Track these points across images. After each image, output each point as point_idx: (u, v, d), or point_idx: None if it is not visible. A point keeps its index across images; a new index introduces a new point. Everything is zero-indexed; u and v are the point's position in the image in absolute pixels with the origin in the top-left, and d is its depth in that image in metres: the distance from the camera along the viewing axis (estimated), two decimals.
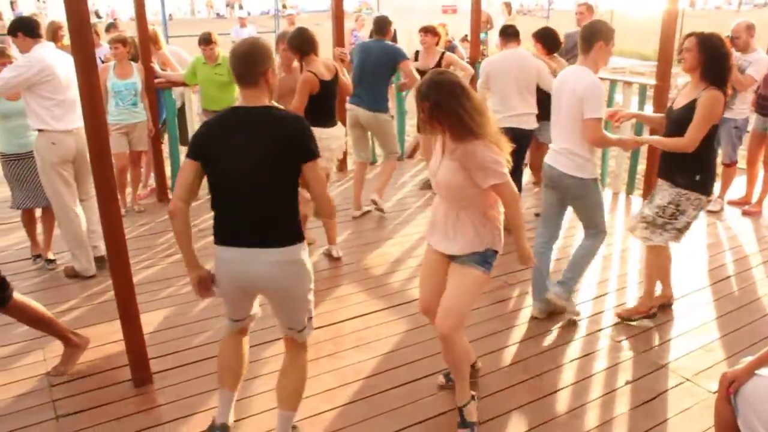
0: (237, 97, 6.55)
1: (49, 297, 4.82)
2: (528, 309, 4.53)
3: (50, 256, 5.44)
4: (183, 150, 7.06)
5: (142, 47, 6.49)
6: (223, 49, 6.39)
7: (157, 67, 6.74)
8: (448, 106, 2.92)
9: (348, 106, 6.22)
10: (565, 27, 7.34)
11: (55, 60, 4.82)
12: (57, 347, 3.95)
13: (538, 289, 4.40)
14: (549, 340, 4.18)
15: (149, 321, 4.28)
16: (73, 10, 3.13)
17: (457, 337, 3.15)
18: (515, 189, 3.08)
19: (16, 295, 3.63)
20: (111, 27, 8.19)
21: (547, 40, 5.87)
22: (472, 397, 3.37)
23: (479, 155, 2.96)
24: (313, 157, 2.79)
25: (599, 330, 4.30)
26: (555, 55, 5.94)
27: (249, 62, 2.77)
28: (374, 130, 6.23)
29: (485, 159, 2.96)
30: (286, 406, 3.03)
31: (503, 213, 3.19)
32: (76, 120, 4.84)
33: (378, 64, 6.00)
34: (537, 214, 6.17)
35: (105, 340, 4.16)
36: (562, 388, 3.67)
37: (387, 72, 6.11)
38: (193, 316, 4.50)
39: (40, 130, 4.82)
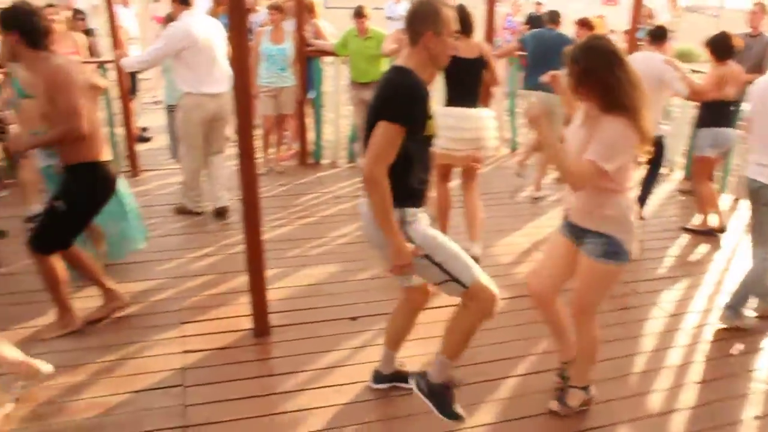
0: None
1: (190, 241, 5.21)
2: (651, 320, 4.33)
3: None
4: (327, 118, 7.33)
5: (297, 15, 6.77)
6: (375, 24, 6.51)
7: (309, 35, 6.97)
8: (599, 74, 2.79)
9: (522, 92, 6.23)
10: (737, 28, 6.82)
11: (199, 28, 5.20)
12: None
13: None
14: (675, 357, 3.97)
15: (275, 277, 4.49)
16: None
17: (585, 326, 3.15)
18: (589, 176, 2.81)
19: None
20: None
21: (717, 46, 5.47)
22: (585, 388, 3.31)
23: (608, 132, 2.80)
24: (381, 118, 2.71)
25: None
26: (729, 61, 5.52)
27: (409, 22, 2.78)
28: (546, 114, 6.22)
29: (610, 137, 2.80)
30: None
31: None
32: (218, 84, 5.22)
33: (552, 51, 5.95)
34: (684, 228, 5.87)
35: (234, 288, 4.42)
36: (674, 411, 3.48)
37: (559, 59, 6.06)
38: (318, 278, 4.66)
39: (186, 92, 5.22)
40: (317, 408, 3.31)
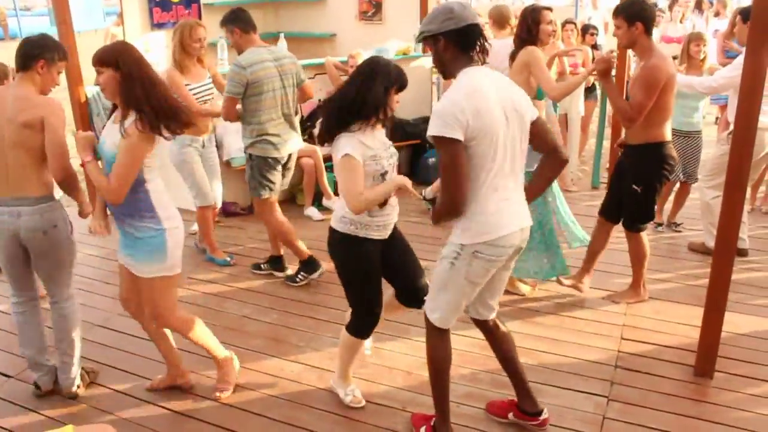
0: None
1: (652, 264, 5.09)
2: None
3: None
4: None
5: None
6: None
7: None
8: None
9: None
10: None
11: None
12: None
13: None
14: None
15: (732, 320, 4.15)
16: None
17: None
18: None
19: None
20: None
21: None
22: None
23: None
24: None
25: None
26: None
27: None
28: None
29: None
30: None
31: None
32: None
33: None
34: None
35: (685, 320, 4.25)
36: None
37: None
38: None
39: None
40: None
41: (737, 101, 3.36)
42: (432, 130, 2.63)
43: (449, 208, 2.71)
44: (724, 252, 3.51)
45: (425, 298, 3.08)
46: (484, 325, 3.21)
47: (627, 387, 3.60)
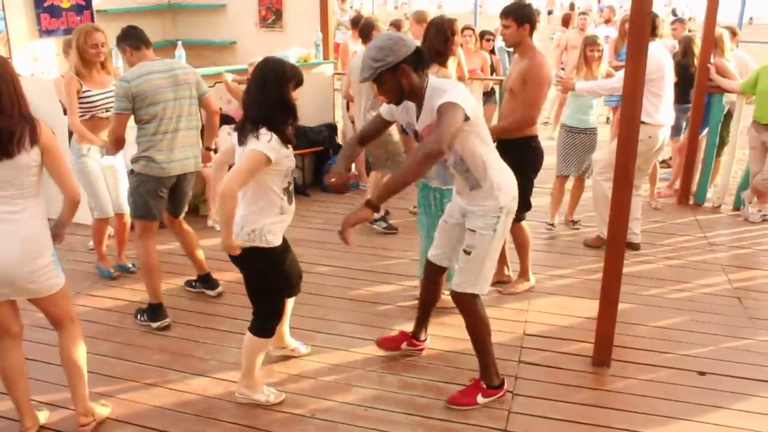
0: None
1: (551, 260, 5.36)
2: None
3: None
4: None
5: (703, 47, 6.48)
6: None
7: (712, 70, 6.50)
8: None
9: None
10: None
11: (664, 56, 5.33)
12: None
13: None
14: None
15: (626, 312, 4.35)
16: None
17: None
18: None
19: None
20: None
21: None
22: None
23: None
24: None
25: None
26: None
27: None
28: None
29: None
30: None
31: None
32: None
33: None
34: None
35: (583, 314, 4.43)
36: None
37: None
38: (670, 323, 4.40)
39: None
40: None
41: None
42: (452, 98, 2.96)
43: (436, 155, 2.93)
44: (615, 246, 3.68)
45: (456, 282, 3.39)
46: (438, 272, 3.66)
47: (530, 381, 3.72)
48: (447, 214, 3.59)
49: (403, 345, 3.91)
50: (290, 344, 3.90)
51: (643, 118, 4.93)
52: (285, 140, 3.11)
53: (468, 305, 3.40)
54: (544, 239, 5.88)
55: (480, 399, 3.47)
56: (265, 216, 3.18)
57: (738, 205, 6.68)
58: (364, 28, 6.08)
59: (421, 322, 3.90)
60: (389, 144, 5.52)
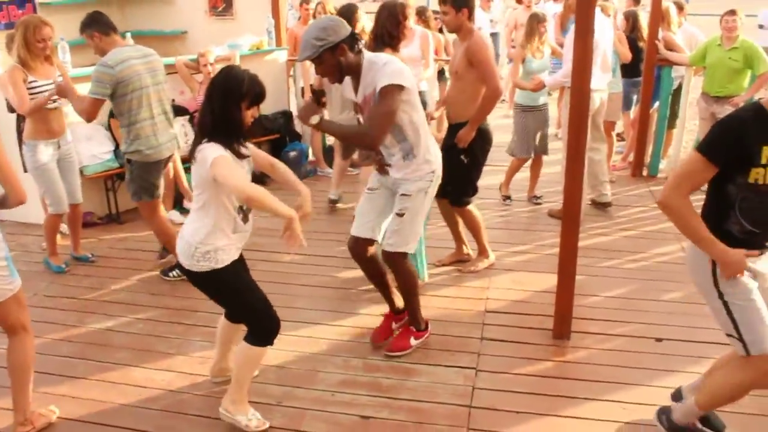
0: (746, 86, 6.09)
1: (509, 237, 5.42)
2: None
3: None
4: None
5: (651, 21, 6.58)
6: (743, 34, 5.96)
7: (660, 46, 6.62)
8: None
9: None
10: None
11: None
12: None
13: None
14: None
15: (584, 283, 4.44)
16: None
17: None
18: None
19: None
20: None
21: None
22: None
23: None
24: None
25: None
26: None
27: None
28: None
29: None
30: None
31: None
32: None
33: None
34: None
35: (541, 287, 4.51)
36: None
37: None
38: (627, 293, 4.52)
39: None
40: (600, 420, 3.25)
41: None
42: (390, 81, 3.21)
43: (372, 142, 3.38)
44: (570, 220, 3.76)
45: (390, 243, 3.60)
46: (365, 246, 3.72)
47: (493, 357, 3.78)
48: (371, 183, 3.75)
49: (394, 326, 3.97)
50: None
51: None
52: (237, 156, 2.93)
53: (400, 264, 3.65)
54: (503, 216, 5.96)
55: (413, 341, 3.82)
56: (216, 236, 2.95)
57: None
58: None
59: (389, 296, 3.95)
60: None
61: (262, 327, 3.13)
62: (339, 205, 6.14)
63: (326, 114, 6.24)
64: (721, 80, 6.13)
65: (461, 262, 4.89)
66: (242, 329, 3.23)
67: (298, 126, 7.47)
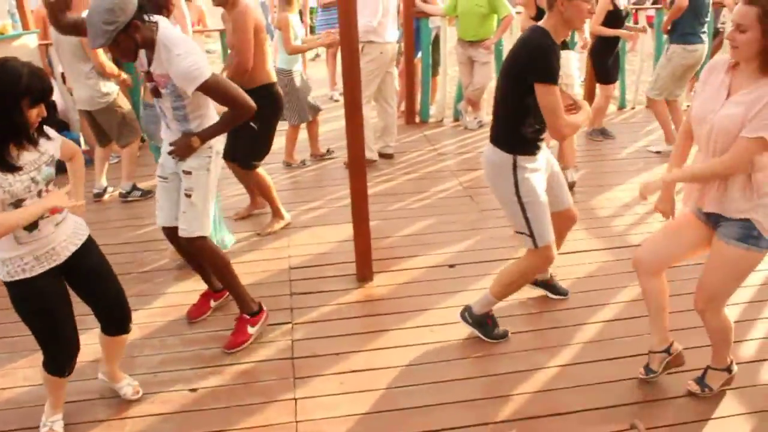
0: (494, 30, 6.74)
1: (301, 196, 5.57)
2: None
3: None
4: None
5: None
6: None
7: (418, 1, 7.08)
8: None
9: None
10: None
11: None
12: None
13: None
14: None
15: (378, 228, 4.76)
16: None
17: (713, 315, 2.86)
18: (751, 156, 2.51)
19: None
20: None
21: None
22: (727, 369, 3.06)
23: None
24: (539, 80, 2.95)
25: None
26: None
27: None
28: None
29: None
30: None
31: None
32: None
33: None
34: None
35: (340, 237, 4.75)
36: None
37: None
38: (418, 229, 4.91)
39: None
40: (413, 345, 3.56)
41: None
42: (200, 67, 3.10)
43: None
44: (356, 167, 3.99)
45: (183, 228, 3.43)
46: (176, 229, 3.53)
47: (305, 309, 3.95)
48: (160, 170, 3.54)
49: (212, 303, 3.95)
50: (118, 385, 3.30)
51: (374, 39, 5.77)
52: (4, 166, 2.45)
53: (203, 247, 3.51)
54: (291, 177, 6.09)
55: (250, 330, 3.64)
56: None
57: (457, 117, 7.51)
58: None
59: (207, 277, 3.92)
60: None
61: (50, 357, 2.85)
62: (106, 197, 5.80)
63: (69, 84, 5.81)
64: (472, 26, 6.73)
65: (259, 213, 5.15)
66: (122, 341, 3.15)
67: (64, 114, 6.98)
